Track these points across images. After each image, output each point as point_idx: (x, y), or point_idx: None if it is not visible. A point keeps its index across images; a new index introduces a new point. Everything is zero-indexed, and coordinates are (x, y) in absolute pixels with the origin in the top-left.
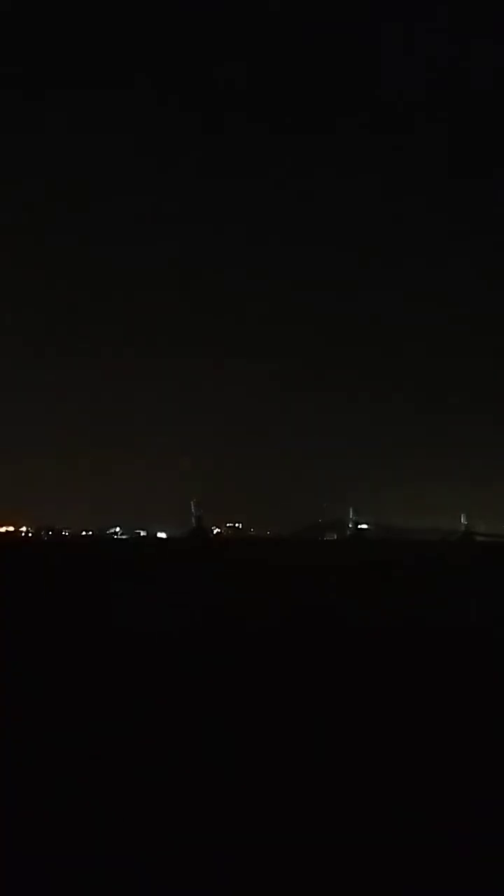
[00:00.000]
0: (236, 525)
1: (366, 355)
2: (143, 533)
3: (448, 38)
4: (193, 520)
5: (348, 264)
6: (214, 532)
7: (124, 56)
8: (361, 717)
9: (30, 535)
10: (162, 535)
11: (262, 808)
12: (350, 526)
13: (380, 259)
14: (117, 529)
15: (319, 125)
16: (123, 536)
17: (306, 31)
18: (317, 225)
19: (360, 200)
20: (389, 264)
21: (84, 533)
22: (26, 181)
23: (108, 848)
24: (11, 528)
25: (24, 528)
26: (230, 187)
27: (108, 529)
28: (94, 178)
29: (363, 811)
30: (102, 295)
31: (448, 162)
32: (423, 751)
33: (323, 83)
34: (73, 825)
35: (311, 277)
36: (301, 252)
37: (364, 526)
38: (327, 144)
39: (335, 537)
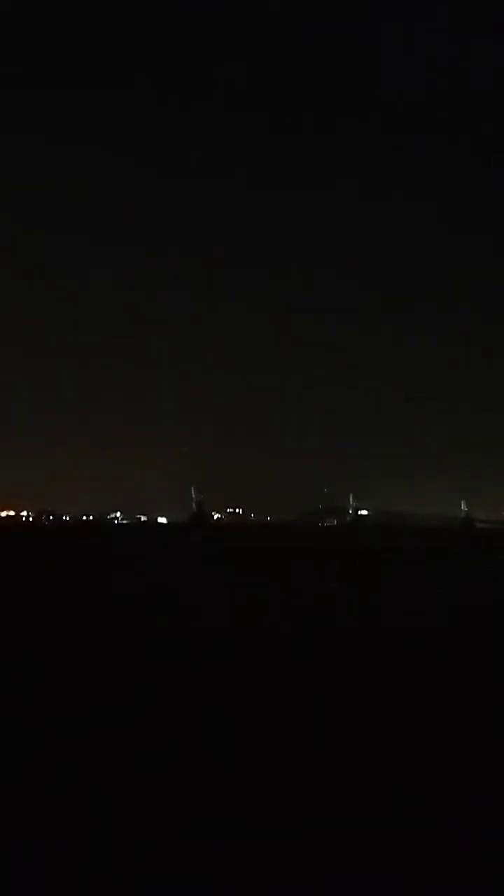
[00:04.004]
0: (237, 510)
1: (367, 341)
2: (143, 518)
3: (448, 38)
4: (194, 505)
5: (349, 261)
6: (215, 517)
7: (124, 56)
8: (361, 706)
9: (31, 519)
10: (162, 519)
11: (261, 798)
12: (350, 512)
13: (381, 257)
14: (118, 514)
15: (319, 125)
16: (124, 521)
17: (306, 31)
18: (316, 224)
19: (359, 200)
20: (390, 262)
21: (85, 518)
22: (26, 181)
23: (109, 834)
24: (12, 513)
25: (24, 513)
26: (230, 187)
27: (109, 514)
28: (94, 178)
29: (363, 803)
30: (103, 286)
31: (448, 162)
32: (423, 742)
33: (323, 83)
34: (74, 812)
35: (311, 272)
36: (301, 250)
37: (364, 512)
38: (327, 144)
39: (335, 523)
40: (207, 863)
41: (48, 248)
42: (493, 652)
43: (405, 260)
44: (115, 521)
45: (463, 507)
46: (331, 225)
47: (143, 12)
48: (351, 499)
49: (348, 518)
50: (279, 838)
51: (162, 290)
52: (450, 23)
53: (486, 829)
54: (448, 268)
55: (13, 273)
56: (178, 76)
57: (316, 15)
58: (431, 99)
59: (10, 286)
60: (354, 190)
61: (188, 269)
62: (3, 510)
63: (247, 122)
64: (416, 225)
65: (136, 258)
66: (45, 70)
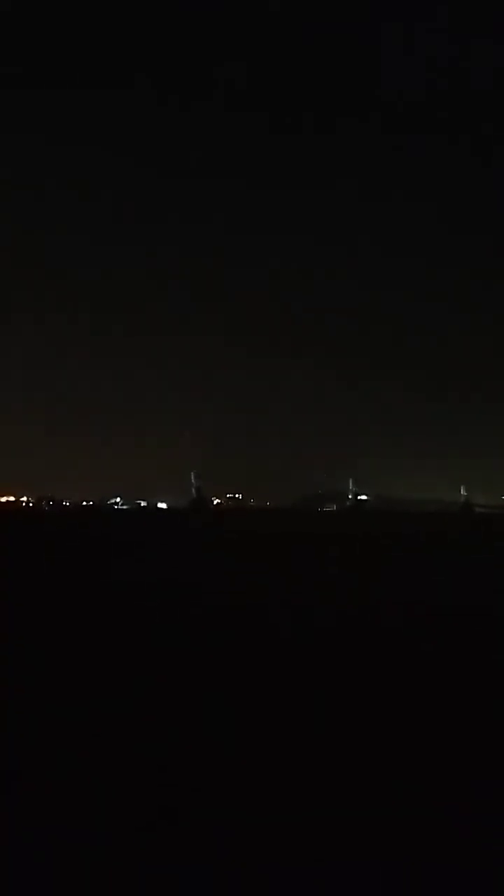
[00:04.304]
0: (236, 496)
1: (366, 330)
2: (143, 503)
3: (448, 38)
4: (193, 490)
5: (349, 261)
6: (214, 503)
7: (124, 56)
8: (360, 692)
9: (31, 505)
10: (162, 505)
11: (260, 784)
12: (350, 497)
13: (381, 257)
14: (118, 500)
15: (319, 125)
16: (124, 507)
17: (306, 31)
18: (316, 224)
19: (359, 200)
20: (390, 262)
21: (84, 503)
22: (26, 181)
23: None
24: (12, 498)
25: (24, 498)
26: (230, 187)
27: (109, 500)
28: (94, 178)
29: (363, 789)
30: (103, 286)
31: (448, 162)
32: (423, 728)
33: (323, 83)
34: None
35: (311, 272)
36: (301, 250)
37: (363, 497)
38: (327, 144)
39: (335, 508)
40: (207, 849)
41: (48, 248)
42: (493, 639)
43: (405, 260)
44: (115, 507)
45: (462, 492)
46: (331, 225)
47: (143, 12)
48: (350, 484)
49: (348, 503)
50: (279, 825)
51: (162, 290)
52: (450, 23)
53: (486, 816)
54: (448, 268)
55: (13, 273)
56: (178, 76)
57: (316, 15)
58: (431, 99)
59: (10, 286)
60: (354, 190)
61: (188, 269)
62: (3, 496)
63: (247, 122)
64: (416, 225)
65: (136, 258)
66: (45, 70)
